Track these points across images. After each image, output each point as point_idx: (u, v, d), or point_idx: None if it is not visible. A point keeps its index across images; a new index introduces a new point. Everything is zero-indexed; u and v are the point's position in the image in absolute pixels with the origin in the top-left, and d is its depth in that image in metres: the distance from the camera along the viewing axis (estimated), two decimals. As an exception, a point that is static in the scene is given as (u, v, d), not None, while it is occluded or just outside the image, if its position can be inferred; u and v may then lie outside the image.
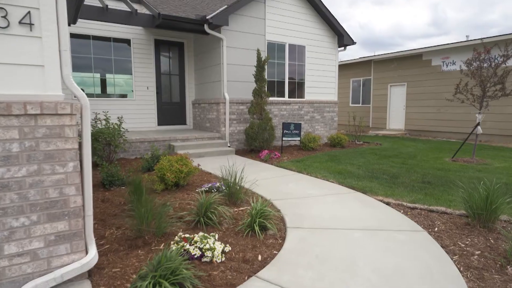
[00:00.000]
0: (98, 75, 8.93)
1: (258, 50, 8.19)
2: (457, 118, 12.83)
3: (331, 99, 10.96)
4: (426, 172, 6.19)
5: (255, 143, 8.24)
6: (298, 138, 8.88)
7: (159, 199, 4.20)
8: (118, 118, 6.71)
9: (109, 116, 6.69)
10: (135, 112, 9.41)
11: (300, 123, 8.84)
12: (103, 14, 7.52)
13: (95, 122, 6.50)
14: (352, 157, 7.88)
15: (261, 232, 3.26)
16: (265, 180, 5.48)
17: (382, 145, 10.37)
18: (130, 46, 9.19)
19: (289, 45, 9.77)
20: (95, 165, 6.41)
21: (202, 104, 9.69)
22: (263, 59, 8.22)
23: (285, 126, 8.67)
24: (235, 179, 4.24)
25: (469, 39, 12.67)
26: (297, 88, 10.19)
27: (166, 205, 3.53)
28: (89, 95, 8.79)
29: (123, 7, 8.05)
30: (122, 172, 5.41)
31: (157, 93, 9.78)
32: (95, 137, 6.20)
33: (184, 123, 10.41)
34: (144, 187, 3.48)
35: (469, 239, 3.23)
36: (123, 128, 6.72)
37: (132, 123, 9.36)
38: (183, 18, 7.96)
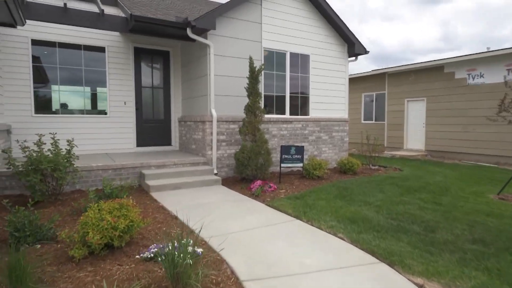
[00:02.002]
0: (65, 88, 7.60)
1: (250, 58, 6.76)
2: (488, 138, 11.08)
3: (340, 117, 9.41)
4: (472, 219, 4.53)
5: (247, 171, 6.70)
6: (300, 164, 7.31)
7: (63, 278, 2.69)
8: (68, 141, 5.29)
9: (58, 139, 5.27)
10: (109, 131, 8.01)
11: (303, 146, 7.29)
12: (63, 15, 6.25)
13: (38, 146, 5.07)
14: (368, 190, 6.25)
15: None
16: (247, 232, 3.91)
17: (402, 171, 8.70)
18: (104, 54, 7.89)
19: (291, 53, 8.34)
20: (34, 203, 4.95)
21: (188, 122, 8.25)
22: (256, 69, 6.79)
23: (284, 149, 7.13)
24: (185, 246, 2.70)
25: (497, 48, 11.05)
26: (301, 104, 8.69)
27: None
28: (52, 112, 7.45)
29: (89, 8, 6.76)
30: (55, 215, 3.92)
31: (136, 109, 8.40)
32: (32, 167, 4.77)
33: (168, 143, 8.97)
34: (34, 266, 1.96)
35: None
36: (73, 153, 5.29)
37: (105, 144, 7.95)
38: (160, 20, 6.61)
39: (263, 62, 7.65)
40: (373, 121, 15.77)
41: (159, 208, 4.89)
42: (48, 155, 4.97)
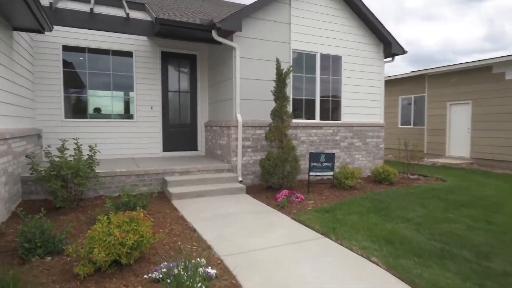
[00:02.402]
0: (94, 93, 7.68)
1: (277, 60, 6.41)
2: (546, 145, 9.88)
3: (375, 121, 8.78)
4: (534, 243, 3.85)
5: (272, 179, 6.33)
6: (331, 173, 6.81)
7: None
8: (90, 146, 5.22)
9: (81, 144, 5.22)
10: (136, 136, 7.99)
11: (333, 154, 6.79)
12: (91, 20, 6.26)
13: (61, 152, 5.03)
14: (406, 204, 5.65)
15: None
16: (268, 251, 3.54)
17: (445, 182, 7.90)
18: (132, 59, 7.89)
19: (321, 55, 7.88)
20: (56, 209, 4.92)
21: (214, 127, 8.04)
22: (284, 71, 6.41)
23: (313, 157, 6.67)
24: (196, 267, 2.39)
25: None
26: (332, 108, 8.19)
27: None
28: (81, 116, 7.53)
29: (116, 13, 6.74)
30: (68, 226, 3.80)
31: (163, 113, 8.32)
32: (54, 172, 4.72)
33: (195, 148, 8.81)
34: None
35: None
36: (95, 159, 5.21)
37: (132, 148, 7.93)
38: (184, 23, 6.45)
39: (291, 64, 7.25)
40: (411, 126, 14.78)
41: (178, 219, 4.65)
42: (71, 160, 4.91)
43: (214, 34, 6.60)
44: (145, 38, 7.93)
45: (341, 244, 3.76)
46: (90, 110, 7.66)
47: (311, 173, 6.67)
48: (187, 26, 6.50)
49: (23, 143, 5.52)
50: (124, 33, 6.86)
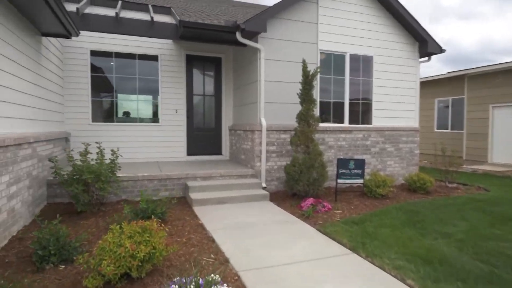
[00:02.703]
0: (120, 97, 7.75)
1: (304, 62, 6.11)
2: None
3: (409, 126, 8.21)
4: None
5: (298, 186, 6.02)
6: (361, 180, 6.39)
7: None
8: (112, 151, 5.18)
9: (103, 148, 5.20)
10: (160, 139, 7.97)
11: (363, 160, 6.37)
12: (116, 25, 6.29)
13: (84, 155, 5.03)
14: (445, 217, 5.13)
15: None
16: (289, 267, 3.25)
17: (489, 192, 7.21)
18: (157, 63, 7.89)
19: (351, 55, 7.48)
20: (77, 213, 4.91)
21: (238, 131, 7.85)
22: (310, 72, 6.10)
23: (342, 163, 6.29)
24: (208, 286, 2.15)
25: None
26: (362, 112, 7.75)
27: None
28: (107, 120, 7.62)
29: (141, 17, 6.75)
30: (83, 234, 3.72)
31: (187, 117, 8.26)
32: (76, 176, 4.71)
33: (219, 153, 8.67)
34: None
35: None
36: (117, 163, 5.16)
37: (156, 152, 7.91)
38: (208, 25, 6.32)
39: (318, 65, 6.92)
40: (449, 130, 13.86)
41: (198, 227, 4.47)
42: (93, 164, 4.88)
43: (238, 36, 6.42)
44: (170, 41, 7.92)
45: (371, 262, 3.39)
46: (117, 113, 7.73)
47: (339, 181, 6.29)
48: (211, 28, 6.36)
49: (49, 147, 5.59)
50: (149, 37, 6.85)
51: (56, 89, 6.46)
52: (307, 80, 6.13)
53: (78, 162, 4.85)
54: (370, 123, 7.81)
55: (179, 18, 6.36)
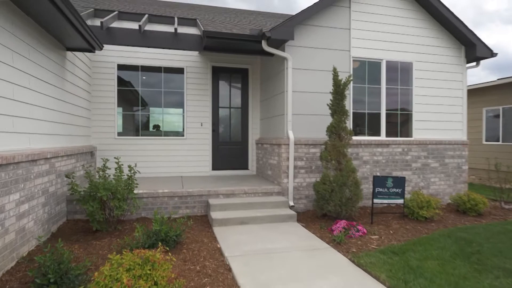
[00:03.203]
0: (145, 111, 7.67)
1: (334, 70, 5.62)
2: None
3: (455, 138, 7.35)
4: None
5: (328, 206, 5.45)
6: (401, 200, 5.69)
7: None
8: (130, 167, 4.96)
9: (122, 164, 5.00)
10: (185, 153, 7.75)
11: (403, 178, 5.68)
12: (141, 38, 6.20)
13: (102, 171, 4.85)
14: (506, 247, 4.32)
15: None
16: (316, 310, 2.72)
17: (556, 217, 6.16)
18: (183, 75, 7.75)
19: (387, 62, 6.86)
20: (93, 231, 4.70)
21: (264, 144, 7.44)
22: (342, 81, 5.59)
23: (378, 181, 5.64)
24: None
25: None
26: (400, 123, 7.05)
27: None
28: (132, 134, 7.53)
29: (166, 29, 6.63)
30: (86, 260, 3.44)
31: (213, 130, 8.00)
32: (93, 193, 4.51)
33: (245, 167, 8.29)
34: None
35: None
36: (135, 179, 4.92)
37: (181, 166, 7.69)
38: (232, 34, 6.05)
39: (351, 73, 6.37)
40: (500, 142, 12.49)
41: (215, 252, 4.06)
42: (110, 181, 4.67)
43: (264, 45, 6.08)
44: (196, 53, 7.76)
45: (417, 308, 2.78)
46: (142, 127, 7.63)
47: (375, 200, 5.63)
48: (235, 37, 6.08)
49: (71, 161, 5.50)
50: (173, 49, 6.72)
51: (82, 104, 6.45)
52: (338, 90, 5.62)
53: (95, 179, 4.66)
54: (410, 136, 7.08)
55: (203, 29, 6.16)
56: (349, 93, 6.51)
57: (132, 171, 4.91)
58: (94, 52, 5.81)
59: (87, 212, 4.53)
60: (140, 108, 7.60)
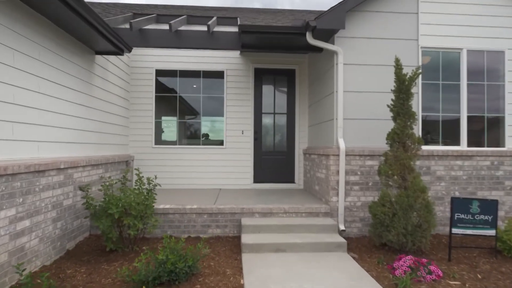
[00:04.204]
0: (183, 118, 7.20)
1: (397, 62, 4.46)
2: None
3: None
4: None
5: (389, 235, 4.25)
6: (492, 231, 4.24)
7: None
8: (148, 179, 4.38)
9: (142, 176, 4.45)
10: (224, 164, 7.08)
11: (495, 202, 4.24)
12: (173, 38, 5.72)
13: (123, 183, 4.35)
14: None
15: None
16: None
17: None
18: (223, 79, 7.15)
19: (468, 52, 5.43)
20: (107, 252, 4.19)
21: (312, 155, 6.44)
22: (407, 76, 4.41)
23: (458, 205, 4.28)
24: None
25: None
26: (487, 129, 5.51)
27: None
28: (169, 143, 7.10)
29: (198, 28, 6.09)
30: (98, 283, 2.84)
31: (255, 138, 7.23)
32: (104, 209, 4.00)
33: (291, 180, 7.33)
34: None
35: None
36: (154, 194, 4.33)
37: (219, 178, 7.04)
38: (271, 27, 5.24)
39: (419, 65, 5.08)
40: None
41: (235, 290, 3.21)
42: (129, 195, 4.12)
43: (308, 37, 5.16)
44: (236, 54, 7.12)
45: None
46: (179, 135, 7.17)
47: (454, 230, 4.27)
48: (275, 30, 5.27)
49: (97, 172, 5.14)
50: (209, 49, 6.12)
51: (117, 111, 6.17)
52: (402, 87, 4.44)
53: (113, 192, 4.15)
54: (502, 146, 5.49)
55: (239, 23, 5.47)
56: (417, 91, 5.23)
57: (151, 184, 4.32)
58: (122, 55, 5.47)
59: (100, 229, 4.03)
60: (177, 115, 7.15)
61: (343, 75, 5.17)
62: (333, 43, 5.25)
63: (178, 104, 7.15)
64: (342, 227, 4.98)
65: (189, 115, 7.22)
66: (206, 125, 7.22)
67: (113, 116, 6.04)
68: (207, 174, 7.02)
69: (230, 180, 7.07)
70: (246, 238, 4.45)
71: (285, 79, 7.38)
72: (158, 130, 7.09)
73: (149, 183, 4.32)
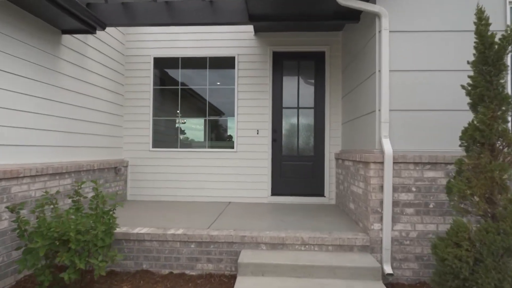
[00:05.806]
0: (187, 115, 5.96)
1: (479, 14, 2.79)
2: None
3: None
4: None
5: (469, 296, 2.59)
6: None
7: None
8: (102, 197, 3.11)
9: (100, 191, 3.21)
10: (234, 171, 5.71)
11: None
12: (164, 12, 4.48)
13: (75, 201, 3.15)
14: None
15: None
16: None
17: None
18: (234, 67, 5.80)
19: None
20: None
21: (345, 160, 4.85)
22: (496, 38, 2.72)
23: None
24: None
25: None
26: None
27: None
28: (171, 145, 5.88)
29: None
30: None
31: (273, 140, 5.77)
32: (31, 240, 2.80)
33: (319, 193, 5.76)
34: None
35: None
36: (113, 217, 3.06)
37: (227, 188, 5.68)
38: (283, -17, 3.79)
39: (510, 25, 3.33)
40: None
41: None
42: (75, 219, 2.90)
43: (337, -4, 3.62)
44: (251, 36, 5.74)
45: None
46: (181, 137, 5.93)
47: None
48: (289, -10, 3.80)
49: (61, 182, 4.02)
50: (209, 24, 4.75)
51: (100, 106, 5.07)
52: (488, 55, 2.76)
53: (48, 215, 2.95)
54: None
55: (242, -14, 4.08)
56: (509, 64, 3.47)
57: (105, 204, 3.05)
58: (94, 33, 4.30)
59: (27, 270, 2.83)
60: (179, 112, 5.93)
61: (388, 48, 3.56)
62: (374, 2, 3.66)
63: (180, 98, 5.91)
64: (388, 270, 3.36)
65: (194, 112, 5.97)
66: (213, 123, 5.91)
67: (96, 113, 4.94)
68: (214, 184, 5.70)
69: (242, 191, 5.68)
70: (242, 284, 3.02)
71: (312, 64, 5.84)
72: (156, 130, 5.91)
73: (103, 203, 3.05)
